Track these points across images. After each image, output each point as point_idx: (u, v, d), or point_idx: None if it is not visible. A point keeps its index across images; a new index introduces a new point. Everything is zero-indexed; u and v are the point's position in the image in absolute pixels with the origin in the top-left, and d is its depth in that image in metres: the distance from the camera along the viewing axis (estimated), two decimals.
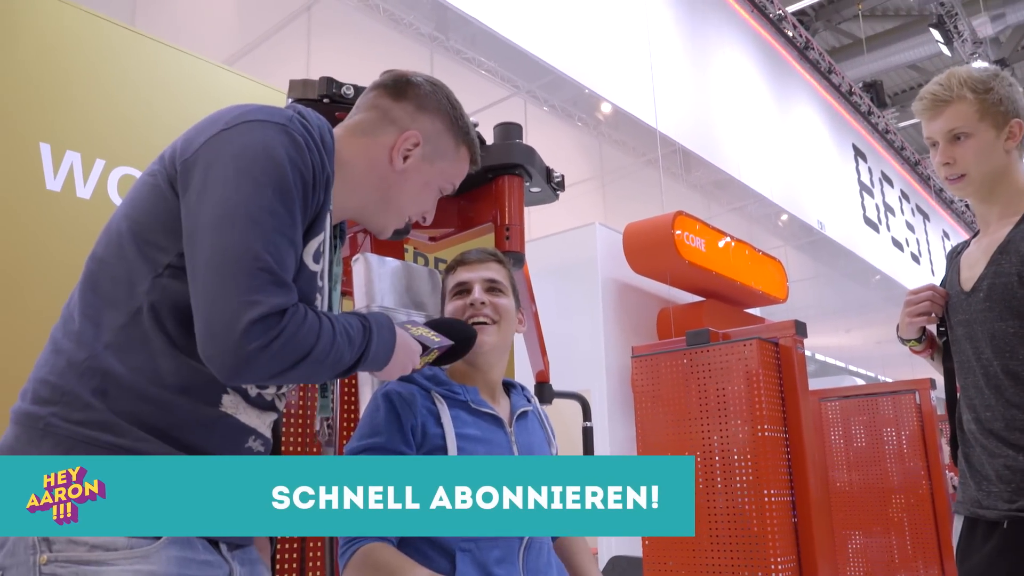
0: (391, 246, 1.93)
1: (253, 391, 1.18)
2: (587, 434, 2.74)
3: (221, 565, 1.12)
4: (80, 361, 1.07)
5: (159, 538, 1.03)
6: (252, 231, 1.03)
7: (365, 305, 1.77)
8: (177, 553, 1.04)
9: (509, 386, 1.79)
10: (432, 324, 1.50)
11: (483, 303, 1.66)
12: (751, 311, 6.55)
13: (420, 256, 3.57)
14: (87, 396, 1.05)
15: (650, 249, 5.56)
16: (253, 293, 1.01)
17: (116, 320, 1.08)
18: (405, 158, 1.30)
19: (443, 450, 1.53)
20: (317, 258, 1.19)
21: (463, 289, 1.70)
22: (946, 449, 4.78)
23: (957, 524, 1.81)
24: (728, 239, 6.08)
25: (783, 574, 2.76)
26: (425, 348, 1.38)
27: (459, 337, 1.52)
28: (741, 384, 2.89)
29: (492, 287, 1.70)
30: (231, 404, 1.14)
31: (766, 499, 2.84)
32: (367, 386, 1.77)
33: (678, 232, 5.49)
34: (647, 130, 7.39)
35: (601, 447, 4.73)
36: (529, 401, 1.78)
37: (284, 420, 1.89)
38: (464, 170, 1.41)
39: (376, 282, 1.78)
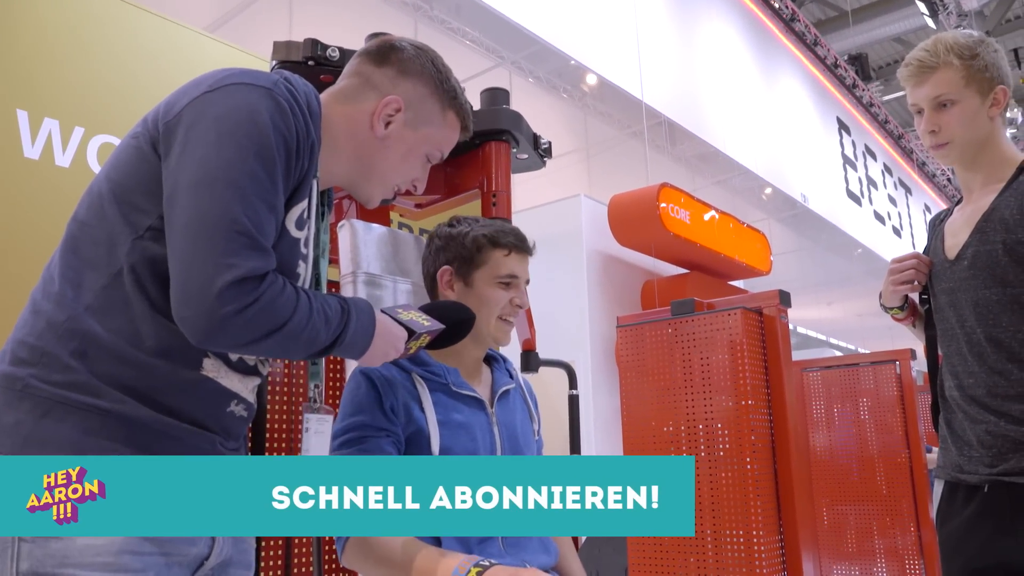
0: (377, 213, 1.91)
1: (234, 355, 1.17)
2: (573, 402, 2.75)
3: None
4: (60, 323, 1.06)
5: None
6: (231, 194, 1.02)
7: (351, 271, 1.76)
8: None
9: (492, 359, 1.78)
10: (427, 308, 1.47)
11: (520, 307, 1.66)
12: (735, 283, 6.58)
13: (404, 226, 3.55)
14: (66, 358, 1.05)
15: (635, 221, 5.55)
16: (230, 256, 1.00)
17: (96, 282, 1.08)
18: (387, 124, 1.28)
19: (426, 437, 1.53)
20: (300, 225, 1.17)
21: (512, 281, 1.66)
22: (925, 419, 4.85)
23: (937, 489, 1.83)
24: (713, 212, 6.08)
25: (765, 542, 2.79)
26: (412, 333, 1.35)
27: (453, 320, 1.48)
28: (725, 354, 2.90)
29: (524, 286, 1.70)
30: (212, 368, 1.13)
31: (748, 468, 2.86)
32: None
33: (663, 204, 5.48)
34: (633, 102, 7.36)
35: (585, 417, 4.75)
36: (512, 377, 1.77)
37: (270, 386, 1.87)
38: (453, 137, 1.38)
39: (362, 248, 1.76)
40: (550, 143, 2.06)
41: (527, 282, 1.69)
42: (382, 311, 1.31)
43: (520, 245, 1.67)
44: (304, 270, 1.21)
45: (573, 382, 2.80)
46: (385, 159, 1.30)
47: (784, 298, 3.10)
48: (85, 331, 1.06)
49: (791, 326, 3.62)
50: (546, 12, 6.38)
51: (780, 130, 10.08)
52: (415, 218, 2.14)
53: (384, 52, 1.31)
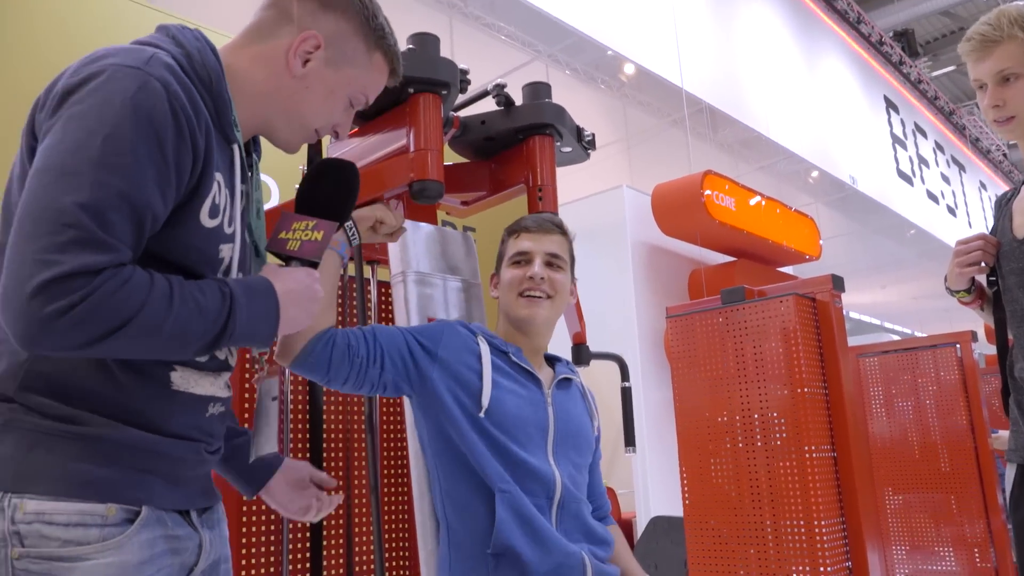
0: (424, 211, 1.92)
1: (203, 358, 1.12)
2: (626, 395, 2.74)
3: (192, 536, 1.11)
4: (22, 362, 1.01)
5: (131, 525, 1.01)
6: (64, 183, 0.93)
7: (401, 271, 1.77)
8: (148, 535, 1.03)
9: (554, 360, 1.80)
10: (302, 194, 1.32)
11: (542, 279, 1.66)
12: (783, 269, 6.49)
13: (448, 223, 3.57)
14: (38, 396, 1.00)
15: (679, 210, 5.50)
16: (51, 252, 0.90)
17: None
18: (304, 63, 1.18)
19: (476, 388, 1.56)
20: (215, 213, 1.09)
21: (523, 259, 1.70)
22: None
23: (1009, 473, 1.78)
24: (759, 197, 6.00)
25: (828, 531, 2.74)
26: (314, 264, 1.21)
27: (325, 185, 1.32)
28: (778, 342, 2.86)
29: (552, 261, 1.70)
30: (182, 381, 1.09)
31: (807, 456, 2.82)
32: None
33: (707, 192, 5.42)
34: (672, 90, 7.28)
35: (637, 410, 4.73)
36: (573, 373, 1.79)
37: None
38: (380, 81, 1.28)
39: (411, 247, 1.77)
40: (593, 135, 2.04)
41: (550, 254, 1.69)
42: (270, 260, 1.22)
43: (531, 225, 1.70)
44: (232, 250, 1.13)
45: (625, 374, 2.78)
46: (303, 100, 1.20)
47: (837, 283, 3.04)
48: (49, 372, 1.01)
49: (844, 311, 3.56)
50: (581, 3, 6.35)
51: (825, 111, 9.89)
52: (461, 215, 2.14)
53: None
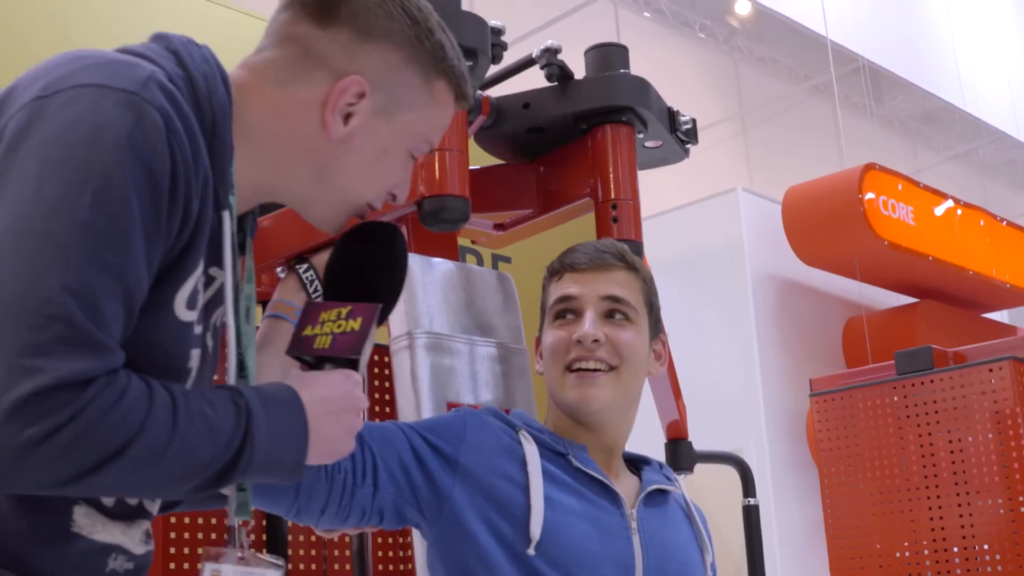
0: (441, 240, 1.96)
1: (109, 499, 1.17)
2: (750, 516, 2.72)
3: None
4: None
5: None
6: (47, 257, 1.00)
7: (405, 332, 1.81)
8: None
9: (639, 464, 1.81)
10: (330, 276, 1.46)
11: (596, 341, 1.66)
12: (992, 316, 6.42)
13: (471, 253, 3.61)
14: None
15: (826, 225, 5.50)
16: (32, 355, 0.97)
17: None
18: (347, 118, 1.27)
19: (522, 509, 1.56)
20: (193, 303, 1.17)
21: (569, 308, 1.70)
22: None
23: None
24: (950, 203, 5.97)
25: None
26: (355, 361, 1.29)
27: (366, 265, 1.44)
28: (988, 431, 2.84)
29: (614, 309, 1.69)
30: (86, 521, 1.14)
31: None
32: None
33: (869, 196, 5.42)
34: (811, 40, 7.32)
35: (768, 540, 4.69)
36: (671, 482, 1.79)
37: None
38: (445, 117, 1.37)
39: (420, 296, 1.81)
40: (694, 121, 2.07)
41: (610, 299, 1.68)
42: (296, 363, 1.30)
43: (580, 259, 1.71)
44: (197, 359, 1.21)
45: (748, 486, 2.76)
46: (349, 168, 1.29)
47: None
48: None
49: None
50: None
51: None
52: (493, 245, 2.19)
53: (329, 3, 1.27)
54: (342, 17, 1.27)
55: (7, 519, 1.09)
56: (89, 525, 1.14)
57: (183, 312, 1.15)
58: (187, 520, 1.85)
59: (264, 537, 1.87)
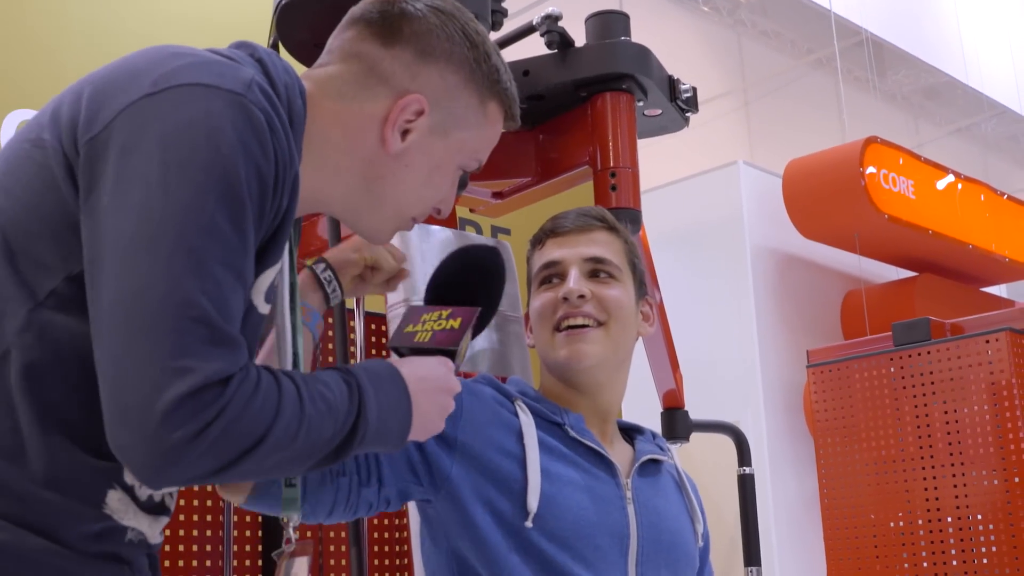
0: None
1: (143, 491, 1.20)
2: (745, 485, 2.73)
3: None
4: None
5: None
6: (184, 262, 1.04)
7: (402, 299, 1.81)
8: None
9: (633, 433, 1.82)
10: (433, 286, 1.57)
11: (582, 296, 1.67)
12: (990, 290, 6.44)
13: (469, 224, 3.62)
14: None
15: (827, 198, 5.51)
16: (181, 356, 1.01)
17: None
18: (404, 134, 1.32)
19: (518, 482, 1.58)
20: (270, 296, 1.22)
21: (554, 273, 1.72)
22: None
23: None
24: (951, 177, 5.97)
25: None
26: (453, 352, 1.40)
27: (473, 275, 1.56)
28: (984, 402, 2.85)
29: (598, 269, 1.71)
30: (119, 506, 1.17)
31: None
32: None
33: (870, 169, 5.42)
34: (815, 14, 7.30)
35: (763, 507, 4.71)
36: (663, 451, 1.80)
37: None
38: (495, 136, 1.44)
39: (418, 263, 1.81)
40: (694, 90, 2.07)
41: (593, 259, 1.71)
42: (393, 352, 1.37)
43: (562, 224, 1.74)
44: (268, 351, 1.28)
45: (744, 455, 2.77)
46: (402, 182, 1.35)
47: None
48: None
49: None
50: None
51: None
52: (491, 213, 2.19)
53: (393, 23, 1.34)
54: (405, 37, 1.33)
55: (39, 489, 1.10)
56: (121, 511, 1.18)
57: (262, 305, 1.22)
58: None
59: (260, 519, 1.88)
